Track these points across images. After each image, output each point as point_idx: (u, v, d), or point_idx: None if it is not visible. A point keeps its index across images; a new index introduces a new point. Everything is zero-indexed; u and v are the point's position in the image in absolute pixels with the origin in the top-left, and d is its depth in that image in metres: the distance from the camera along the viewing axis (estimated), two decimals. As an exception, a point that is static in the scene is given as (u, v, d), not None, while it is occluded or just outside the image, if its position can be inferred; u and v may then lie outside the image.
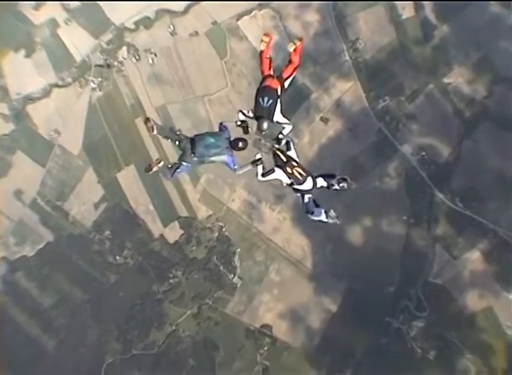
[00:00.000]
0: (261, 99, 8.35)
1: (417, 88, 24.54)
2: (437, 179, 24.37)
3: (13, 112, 25.38)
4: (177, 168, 8.35)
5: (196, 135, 8.23)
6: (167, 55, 25.20)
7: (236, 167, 8.29)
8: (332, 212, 8.30)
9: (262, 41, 8.49)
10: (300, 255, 25.47)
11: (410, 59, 24.71)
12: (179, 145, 8.34)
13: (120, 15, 25.03)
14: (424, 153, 24.44)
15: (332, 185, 8.26)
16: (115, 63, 25.24)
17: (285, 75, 8.54)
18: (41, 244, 26.08)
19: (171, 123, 25.38)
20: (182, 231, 26.12)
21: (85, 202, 25.97)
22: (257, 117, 8.36)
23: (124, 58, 25.25)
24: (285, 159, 8.20)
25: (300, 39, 8.48)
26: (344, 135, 25.19)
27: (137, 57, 25.17)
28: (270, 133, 8.44)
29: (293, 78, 8.73)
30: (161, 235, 26.18)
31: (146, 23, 25.09)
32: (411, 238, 24.61)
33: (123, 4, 24.70)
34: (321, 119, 25.10)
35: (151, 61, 25.15)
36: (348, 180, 8.18)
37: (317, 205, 8.51)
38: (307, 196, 8.41)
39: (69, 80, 25.31)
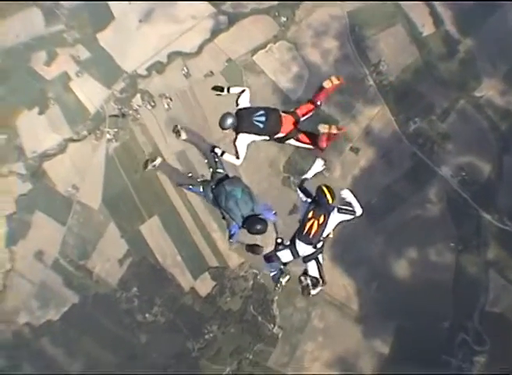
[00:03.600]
0: (260, 112, 8.37)
1: (448, 106, 27.13)
2: (481, 199, 26.50)
3: (30, 171, 28.40)
4: (192, 185, 8.87)
5: (233, 177, 8.61)
6: (183, 99, 28.30)
7: (231, 240, 8.43)
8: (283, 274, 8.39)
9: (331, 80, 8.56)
10: (344, 296, 27.28)
11: (437, 77, 27.48)
12: (212, 172, 8.86)
13: (131, 62, 28.41)
14: (464, 173, 26.68)
15: (306, 274, 8.38)
16: (130, 112, 28.36)
17: (302, 139, 8.71)
18: (66, 306, 28.34)
19: (192, 169, 28.03)
20: (214, 282, 28.15)
21: (109, 259, 28.42)
22: (237, 110, 8.50)
23: (139, 106, 28.36)
24: (330, 201, 8.05)
25: (340, 129, 8.37)
26: (377, 163, 27.54)
27: (152, 103, 28.31)
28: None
29: (298, 146, 8.91)
30: (192, 288, 28.26)
31: (158, 67, 28.38)
32: (462, 266, 26.49)
33: (134, 51, 28.27)
34: (351, 149, 27.58)
35: (166, 106, 28.22)
36: (320, 284, 8.21)
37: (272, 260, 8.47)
38: (283, 252, 8.29)
39: (84, 133, 28.40)
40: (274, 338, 27.90)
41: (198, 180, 8.95)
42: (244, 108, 8.58)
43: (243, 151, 8.68)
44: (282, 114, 8.65)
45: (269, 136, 8.56)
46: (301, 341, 27.75)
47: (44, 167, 28.77)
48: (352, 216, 8.33)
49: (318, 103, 8.98)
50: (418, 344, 26.11)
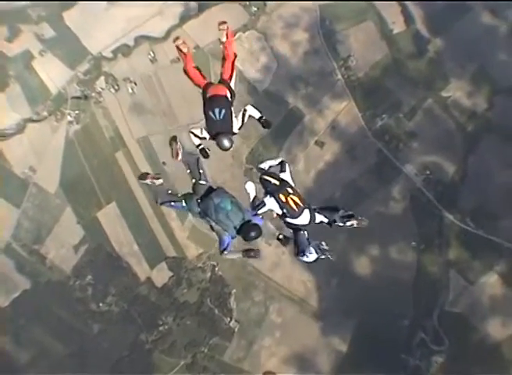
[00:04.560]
0: (211, 113, 8.20)
1: (415, 104, 27.47)
2: (445, 199, 26.79)
3: (-15, 150, 27.49)
4: (173, 202, 8.42)
5: (218, 188, 8.21)
6: (148, 84, 28.10)
7: (226, 251, 8.16)
8: (323, 245, 8.00)
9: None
10: (303, 292, 27.38)
11: (405, 75, 27.82)
12: (193, 184, 8.45)
13: (97, 43, 28.09)
14: (428, 172, 26.99)
15: (335, 221, 8.20)
16: (93, 94, 28.05)
17: (226, 76, 8.53)
18: (17, 292, 27.68)
19: (154, 155, 27.97)
20: (170, 273, 27.97)
21: (64, 245, 27.92)
22: (215, 135, 8.20)
23: (102, 89, 28.08)
24: (278, 183, 8.06)
25: (224, 22, 8.35)
26: (342, 158, 27.77)
27: (116, 87, 28.05)
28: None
29: (236, 76, 8.78)
30: (148, 278, 28.01)
31: (124, 50, 28.15)
32: (423, 265, 26.71)
33: (100, 32, 27.89)
34: (316, 142, 27.83)
35: (130, 90, 28.01)
36: (355, 216, 8.10)
37: (308, 242, 8.20)
38: (301, 233, 8.15)
39: (45, 113, 27.98)
40: (230, 332, 27.74)
41: (179, 195, 8.44)
42: (211, 128, 8.29)
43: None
44: (211, 95, 8.45)
45: (232, 104, 8.45)
46: (258, 336, 27.64)
47: (0, 147, 28.18)
48: (286, 164, 8.60)
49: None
50: (377, 342, 26.15)
